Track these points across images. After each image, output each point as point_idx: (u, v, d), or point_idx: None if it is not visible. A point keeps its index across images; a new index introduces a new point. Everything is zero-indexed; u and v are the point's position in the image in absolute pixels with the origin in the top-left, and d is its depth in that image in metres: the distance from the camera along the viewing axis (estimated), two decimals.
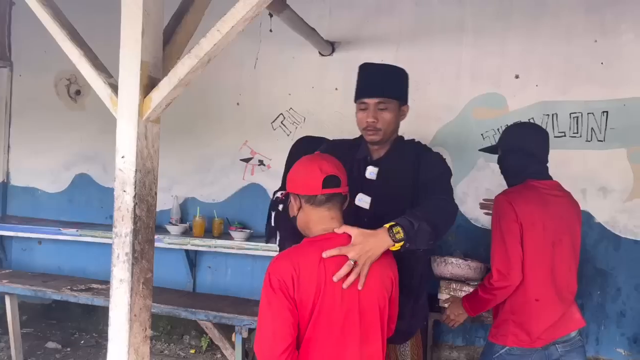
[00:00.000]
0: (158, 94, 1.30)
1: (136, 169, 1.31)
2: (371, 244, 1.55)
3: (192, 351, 4.17)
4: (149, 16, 1.31)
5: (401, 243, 1.61)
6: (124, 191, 1.31)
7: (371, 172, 2.06)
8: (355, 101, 2.10)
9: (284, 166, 3.20)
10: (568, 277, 2.28)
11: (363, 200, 2.01)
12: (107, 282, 3.84)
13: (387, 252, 1.62)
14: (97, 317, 4.47)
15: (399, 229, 1.61)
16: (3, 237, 4.73)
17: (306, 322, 1.50)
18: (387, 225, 1.61)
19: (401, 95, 2.11)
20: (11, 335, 3.80)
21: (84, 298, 3.55)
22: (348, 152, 2.10)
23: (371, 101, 2.02)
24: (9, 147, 4.90)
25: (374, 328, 1.60)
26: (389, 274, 1.68)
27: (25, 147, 4.88)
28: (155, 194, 1.39)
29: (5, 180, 4.91)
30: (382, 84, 2.04)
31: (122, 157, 1.32)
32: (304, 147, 3.01)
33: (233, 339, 3.30)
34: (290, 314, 1.46)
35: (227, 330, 3.38)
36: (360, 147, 2.14)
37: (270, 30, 4.15)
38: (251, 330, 3.31)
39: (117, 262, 1.32)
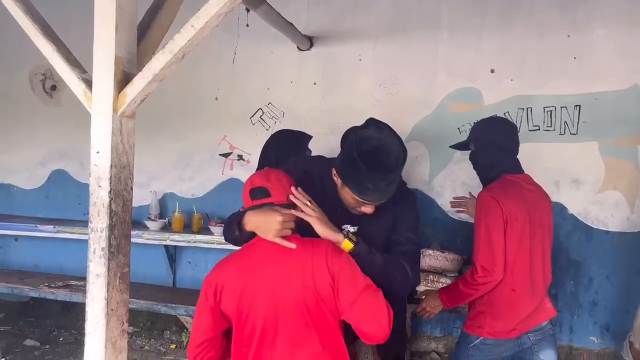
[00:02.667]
0: (132, 90, 1.31)
1: (111, 164, 1.32)
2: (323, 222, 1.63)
3: (173, 346, 4.17)
4: (123, 11, 1.31)
5: (350, 245, 1.69)
6: (100, 186, 1.32)
7: (348, 229, 1.85)
8: (348, 189, 1.77)
9: None
10: (544, 268, 2.33)
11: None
12: (85, 278, 3.82)
13: (323, 243, 1.62)
14: (75, 314, 4.44)
15: (354, 237, 1.72)
16: None
17: (234, 327, 1.57)
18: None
19: None
20: None
21: (62, 295, 3.53)
22: (319, 188, 1.92)
23: (371, 204, 1.79)
24: None
25: (306, 329, 1.51)
26: (320, 264, 1.54)
27: (0, 143, 4.81)
28: (131, 189, 1.40)
29: None
30: (388, 190, 1.76)
31: (97, 152, 1.32)
32: (278, 141, 3.02)
33: None
34: (211, 314, 1.57)
35: None
36: (327, 195, 1.90)
37: (247, 25, 4.15)
38: None
39: (93, 257, 1.33)
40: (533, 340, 2.30)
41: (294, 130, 3.17)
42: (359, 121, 3.51)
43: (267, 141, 3.02)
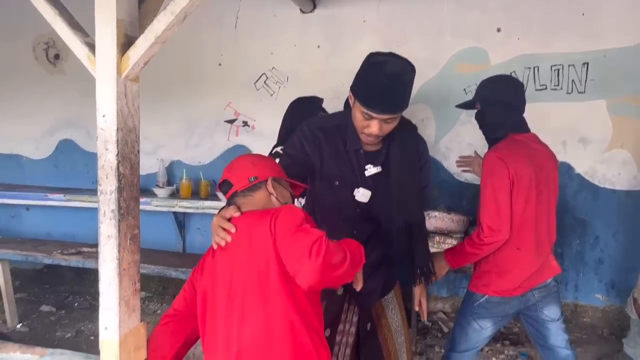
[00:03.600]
0: (135, 52, 1.31)
1: (117, 127, 1.33)
2: None
3: None
4: None
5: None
6: (107, 149, 1.33)
7: (372, 172, 1.93)
8: (358, 102, 1.79)
9: (271, 126, 3.24)
10: (549, 227, 2.33)
11: (363, 195, 1.94)
12: (96, 245, 3.89)
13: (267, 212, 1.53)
14: (89, 280, 4.54)
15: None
16: None
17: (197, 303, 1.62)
18: None
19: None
20: (5, 300, 3.86)
21: (74, 261, 3.60)
22: (337, 137, 1.94)
23: (380, 117, 1.78)
24: None
25: (255, 303, 1.45)
26: (263, 228, 1.46)
27: (7, 114, 4.83)
28: (138, 152, 1.41)
29: None
30: (397, 101, 1.77)
31: (103, 116, 1.33)
32: (292, 111, 3.11)
33: None
34: (186, 290, 1.70)
35: None
36: (348, 136, 1.93)
37: None
38: None
39: (103, 219, 1.35)
40: (537, 297, 2.33)
41: (305, 97, 3.20)
42: None
43: (284, 113, 3.11)
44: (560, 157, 3.65)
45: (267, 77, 4.18)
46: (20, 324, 3.92)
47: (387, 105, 1.76)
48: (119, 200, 1.34)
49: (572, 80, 3.63)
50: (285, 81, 4.14)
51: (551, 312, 2.36)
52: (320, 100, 3.12)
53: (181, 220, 4.40)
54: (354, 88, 1.84)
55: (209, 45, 4.26)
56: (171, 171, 4.42)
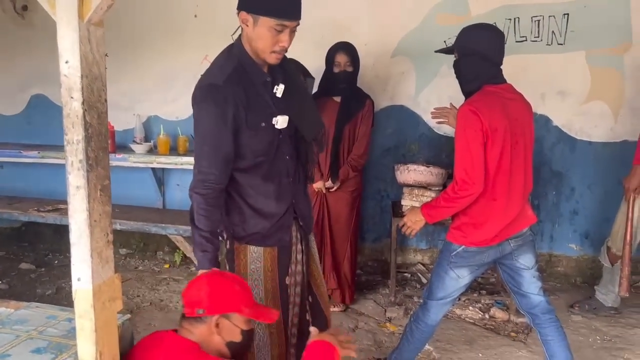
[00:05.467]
0: None
1: (82, 74, 1.27)
2: None
3: (167, 266, 4.28)
4: None
5: None
6: (72, 97, 1.28)
7: (280, 90, 1.88)
8: (267, 16, 1.71)
9: None
10: (525, 177, 2.34)
11: (284, 121, 1.89)
12: None
13: None
14: (68, 238, 4.50)
15: None
16: None
17: None
18: None
19: None
20: None
21: (51, 218, 3.57)
22: (243, 79, 1.82)
23: (291, 24, 1.75)
24: None
25: None
26: None
27: None
28: (105, 101, 1.36)
29: None
30: (300, 5, 1.77)
31: (66, 62, 1.27)
32: None
33: None
34: None
35: None
36: (251, 70, 1.83)
37: None
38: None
39: (71, 169, 1.32)
40: (513, 246, 2.37)
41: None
42: (344, 37, 3.49)
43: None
44: (539, 110, 3.69)
45: None
46: (0, 282, 3.91)
47: (298, 9, 1.76)
48: (87, 150, 1.30)
49: (552, 32, 3.60)
50: None
51: (526, 261, 2.40)
52: (302, 66, 3.11)
53: (160, 177, 4.36)
54: (254, 5, 1.73)
55: None
56: (149, 127, 4.34)
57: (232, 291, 1.59)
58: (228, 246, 2.01)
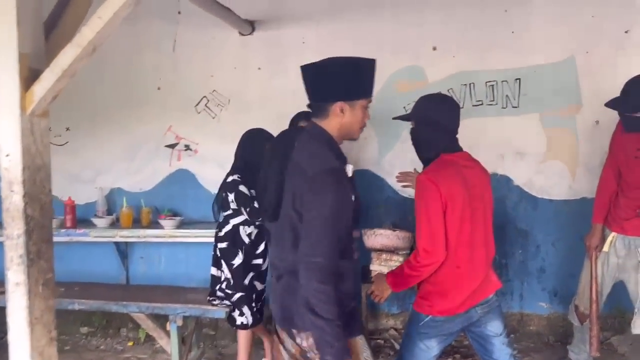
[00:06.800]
0: (41, 87, 1.24)
1: (24, 167, 1.25)
2: None
3: (130, 344, 4.09)
4: (25, 4, 1.23)
5: None
6: (12, 191, 1.25)
7: (350, 170, 1.93)
8: (362, 99, 1.85)
9: (215, 149, 3.52)
10: (487, 243, 2.35)
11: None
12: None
13: None
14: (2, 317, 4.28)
15: None
16: None
17: None
18: None
19: None
20: None
21: None
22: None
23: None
24: None
25: None
26: None
27: None
28: (50, 191, 1.33)
29: None
30: None
31: (7, 155, 1.25)
32: (249, 140, 3.26)
33: (167, 328, 3.27)
34: None
35: (163, 320, 3.34)
36: (338, 153, 1.89)
37: (179, 13, 4.05)
38: (186, 318, 3.29)
39: (11, 265, 1.26)
40: (480, 313, 2.34)
41: (254, 129, 3.32)
42: (305, 106, 3.53)
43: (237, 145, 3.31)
44: (499, 170, 3.77)
45: (208, 100, 4.12)
46: None
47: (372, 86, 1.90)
48: (28, 244, 1.26)
49: (507, 95, 3.74)
50: (227, 104, 4.09)
51: (494, 327, 2.37)
52: (269, 134, 3.23)
53: (123, 250, 4.24)
54: (349, 91, 1.84)
55: (147, 69, 4.16)
56: (112, 199, 4.27)
57: None
58: None
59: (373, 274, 3.38)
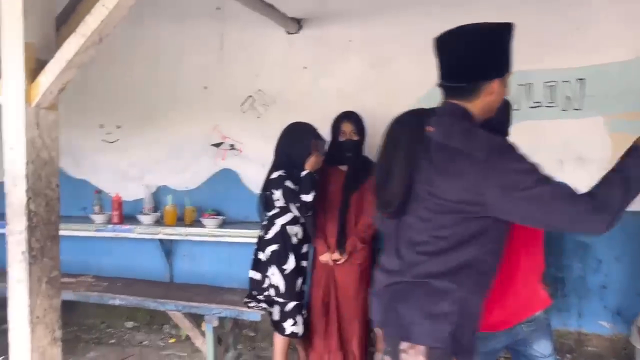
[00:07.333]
0: (46, 78, 1.20)
1: (27, 161, 1.21)
2: None
3: (172, 340, 4.12)
4: None
5: None
6: (15, 185, 1.21)
7: None
8: (509, 71, 1.61)
9: (259, 149, 3.53)
10: (535, 256, 2.17)
11: None
12: (80, 274, 3.76)
13: None
14: (79, 310, 4.40)
15: None
16: None
17: None
18: None
19: None
20: None
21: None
22: None
23: None
24: None
25: None
26: None
27: None
28: (57, 186, 1.29)
29: None
30: None
31: (11, 148, 1.22)
32: (291, 134, 3.19)
33: (203, 328, 3.24)
34: None
35: (200, 319, 3.32)
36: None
37: (218, 9, 4.04)
38: (222, 319, 3.25)
39: (13, 261, 1.23)
40: (527, 331, 2.16)
41: (298, 123, 3.26)
42: (350, 106, 3.43)
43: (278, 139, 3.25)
44: (558, 176, 3.49)
45: (253, 100, 4.08)
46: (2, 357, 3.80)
47: None
48: (30, 240, 1.22)
49: (567, 97, 3.46)
50: (272, 103, 4.03)
51: (542, 348, 2.18)
52: (314, 128, 3.19)
53: (168, 247, 4.27)
54: (506, 66, 1.59)
55: (194, 68, 4.18)
56: (158, 197, 4.31)
57: None
58: None
59: None
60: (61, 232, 3.88)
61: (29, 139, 1.21)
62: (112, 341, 4.15)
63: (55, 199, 1.29)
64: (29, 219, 1.21)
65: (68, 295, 3.42)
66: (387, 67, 3.77)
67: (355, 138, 3.30)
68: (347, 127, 3.30)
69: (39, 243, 1.24)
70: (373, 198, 3.14)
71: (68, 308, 4.37)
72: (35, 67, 1.21)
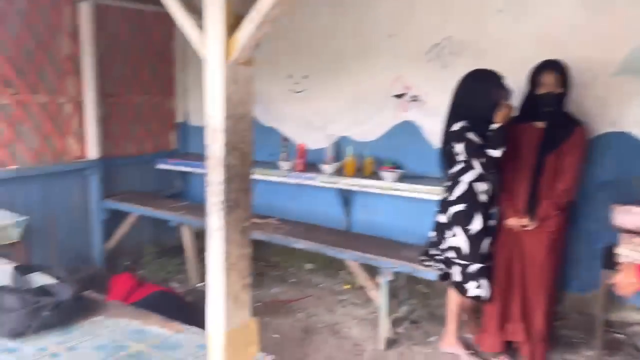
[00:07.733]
0: (242, 34, 1.20)
1: (226, 115, 1.25)
2: None
3: (347, 286, 4.26)
4: None
5: None
6: (214, 139, 1.27)
7: None
8: None
9: (443, 101, 3.09)
10: None
11: None
12: (267, 216, 4.03)
13: None
14: (265, 248, 4.70)
15: None
16: (185, 172, 5.20)
17: None
18: None
19: None
20: (188, 260, 4.30)
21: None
22: None
23: None
24: (187, 91, 5.31)
25: None
26: None
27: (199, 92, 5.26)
28: (250, 141, 1.32)
29: (187, 121, 5.37)
30: None
31: (212, 102, 1.26)
32: (472, 81, 2.94)
33: (377, 280, 3.27)
34: None
35: (375, 270, 3.35)
36: None
37: None
38: (396, 274, 3.24)
39: (211, 210, 1.30)
40: None
41: (482, 70, 2.98)
42: (551, 54, 3.03)
43: (457, 85, 3.01)
44: None
45: (441, 48, 3.84)
46: (202, 283, 4.32)
47: None
48: (227, 192, 1.27)
49: None
50: (461, 52, 3.76)
51: None
52: (499, 77, 2.89)
53: (347, 198, 4.36)
54: None
55: (381, 15, 4.06)
56: (340, 147, 4.39)
57: None
58: None
59: (620, 258, 2.82)
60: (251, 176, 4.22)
61: (227, 95, 1.25)
62: (293, 280, 4.44)
63: (249, 153, 1.33)
64: (227, 171, 1.26)
65: (256, 235, 3.70)
66: (603, 5, 3.23)
67: (558, 91, 2.93)
68: (549, 78, 2.93)
69: (234, 194, 1.29)
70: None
71: (256, 245, 4.78)
72: (233, 22, 1.23)
